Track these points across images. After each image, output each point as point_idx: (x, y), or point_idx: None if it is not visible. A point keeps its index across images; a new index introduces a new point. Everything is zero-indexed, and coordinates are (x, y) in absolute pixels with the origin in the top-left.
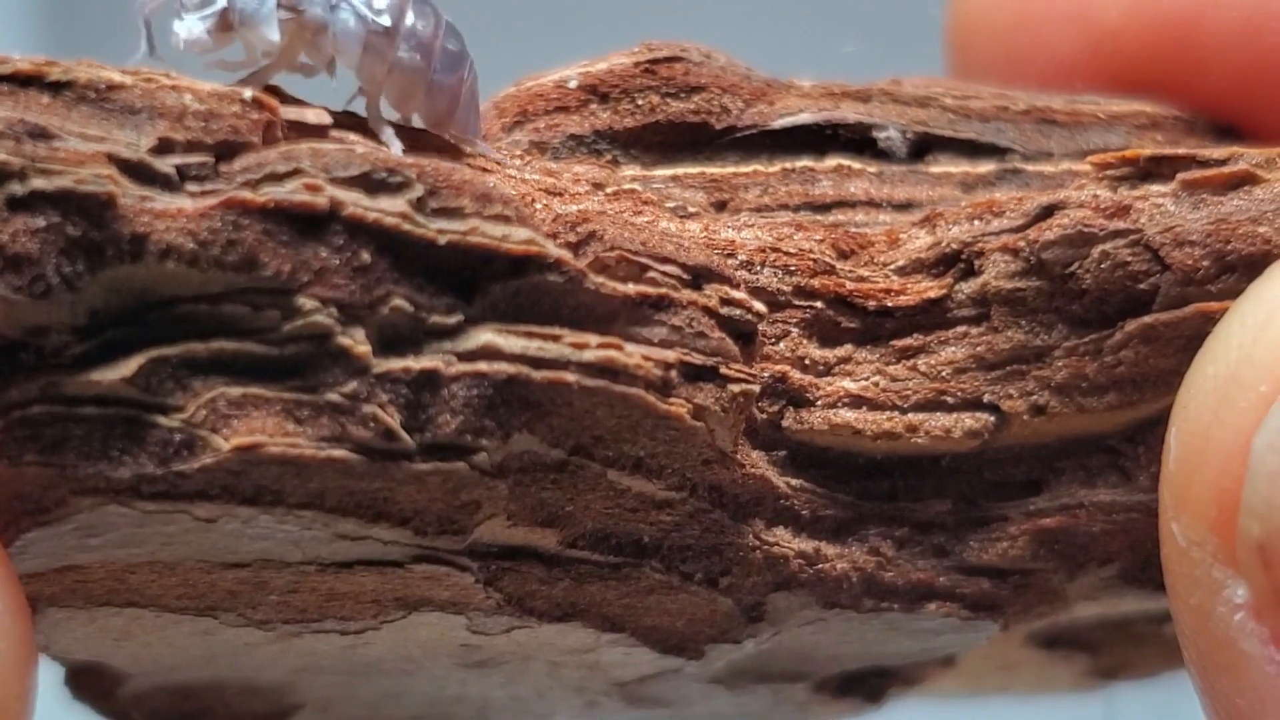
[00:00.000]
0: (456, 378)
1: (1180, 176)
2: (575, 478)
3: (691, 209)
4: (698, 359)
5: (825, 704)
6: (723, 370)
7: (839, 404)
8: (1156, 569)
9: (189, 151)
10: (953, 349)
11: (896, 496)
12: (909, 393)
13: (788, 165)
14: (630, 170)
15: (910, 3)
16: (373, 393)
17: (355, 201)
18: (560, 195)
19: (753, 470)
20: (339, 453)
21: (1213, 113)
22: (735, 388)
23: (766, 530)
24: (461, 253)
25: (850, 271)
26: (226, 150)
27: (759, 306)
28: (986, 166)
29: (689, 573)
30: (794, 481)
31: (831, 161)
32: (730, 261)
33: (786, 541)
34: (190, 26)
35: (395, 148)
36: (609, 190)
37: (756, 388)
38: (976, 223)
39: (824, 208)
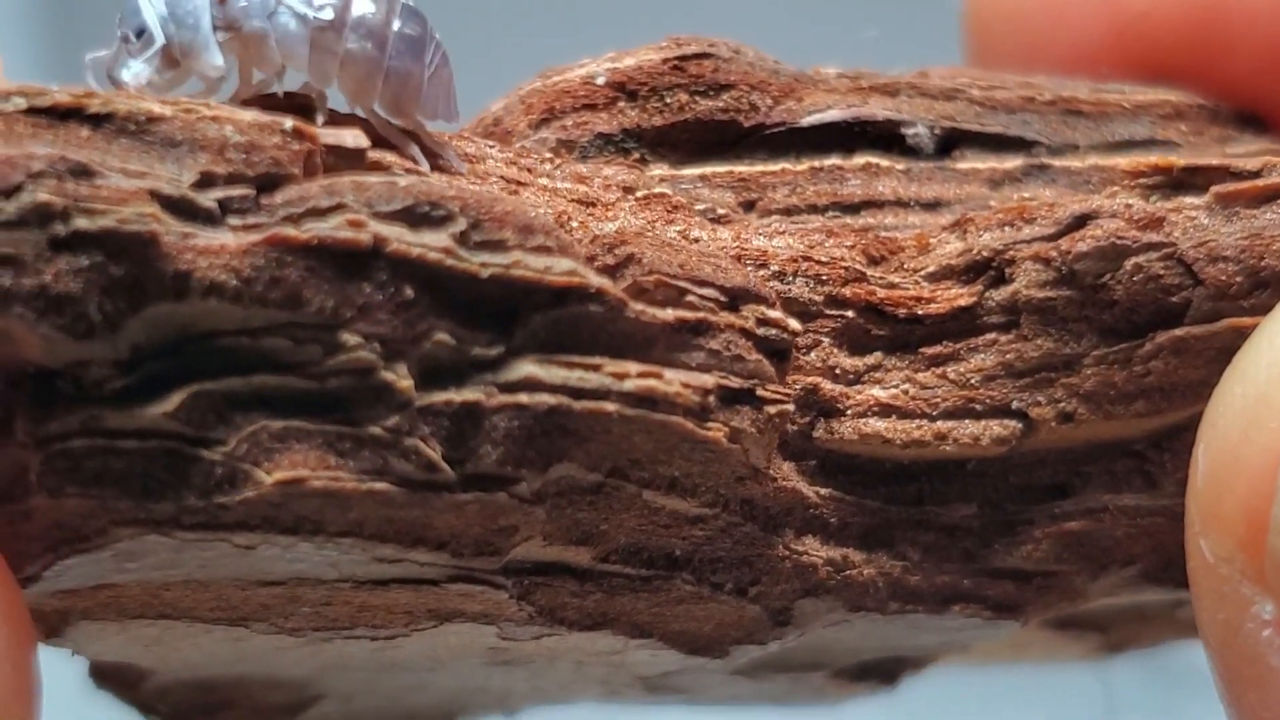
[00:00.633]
0: (498, 409)
1: (1214, 189)
2: (610, 499)
3: (720, 210)
4: (735, 382)
5: (842, 687)
6: (759, 392)
7: (869, 413)
8: (1178, 569)
9: (230, 184)
10: (982, 356)
11: (923, 501)
12: (938, 400)
13: (816, 164)
14: (658, 169)
15: None
16: (414, 426)
17: (398, 237)
18: (593, 206)
19: (784, 483)
20: (380, 485)
21: (1238, 99)
22: (771, 409)
23: (795, 540)
24: (504, 285)
25: (881, 278)
26: (268, 182)
27: (794, 325)
28: (1013, 162)
29: (719, 583)
30: (823, 491)
31: (860, 160)
32: (763, 272)
33: (815, 550)
34: (137, 73)
35: (423, 165)
36: (639, 194)
37: (791, 407)
38: (1008, 230)
39: (852, 208)
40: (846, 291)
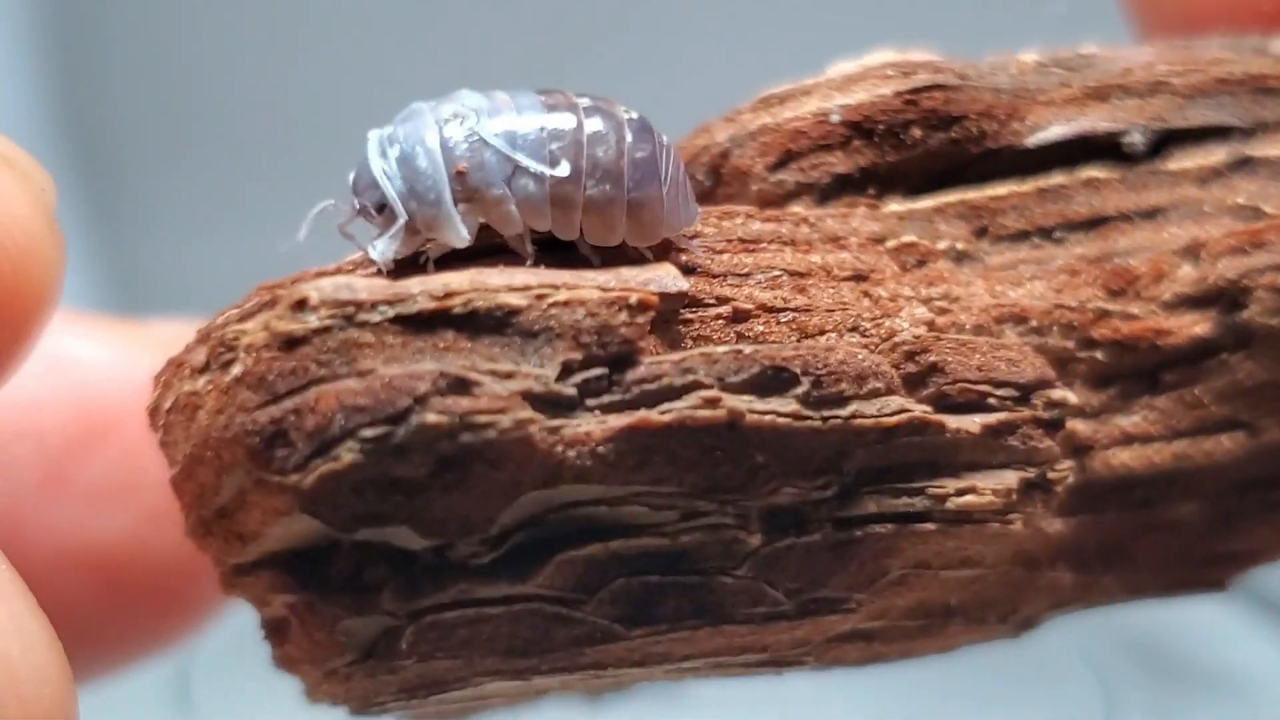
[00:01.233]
0: (836, 545)
1: None
2: (909, 582)
3: (959, 245)
4: (1032, 473)
5: None
6: (1050, 475)
7: (1114, 445)
8: None
9: (587, 367)
10: (1215, 378)
11: (1151, 504)
12: (1174, 424)
13: (1042, 184)
14: (894, 205)
15: None
16: (762, 572)
17: (750, 407)
18: (867, 280)
19: (1049, 529)
20: (734, 627)
21: None
22: (1059, 487)
23: (1049, 568)
24: (842, 433)
25: (1121, 311)
26: (621, 360)
27: (1073, 400)
28: (1217, 155)
29: (984, 618)
30: (1072, 520)
31: (1082, 174)
32: (1021, 328)
33: (1064, 574)
34: (384, 251)
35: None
36: (890, 244)
37: (1072, 477)
38: (1240, 257)
39: (1080, 226)
40: (1094, 332)
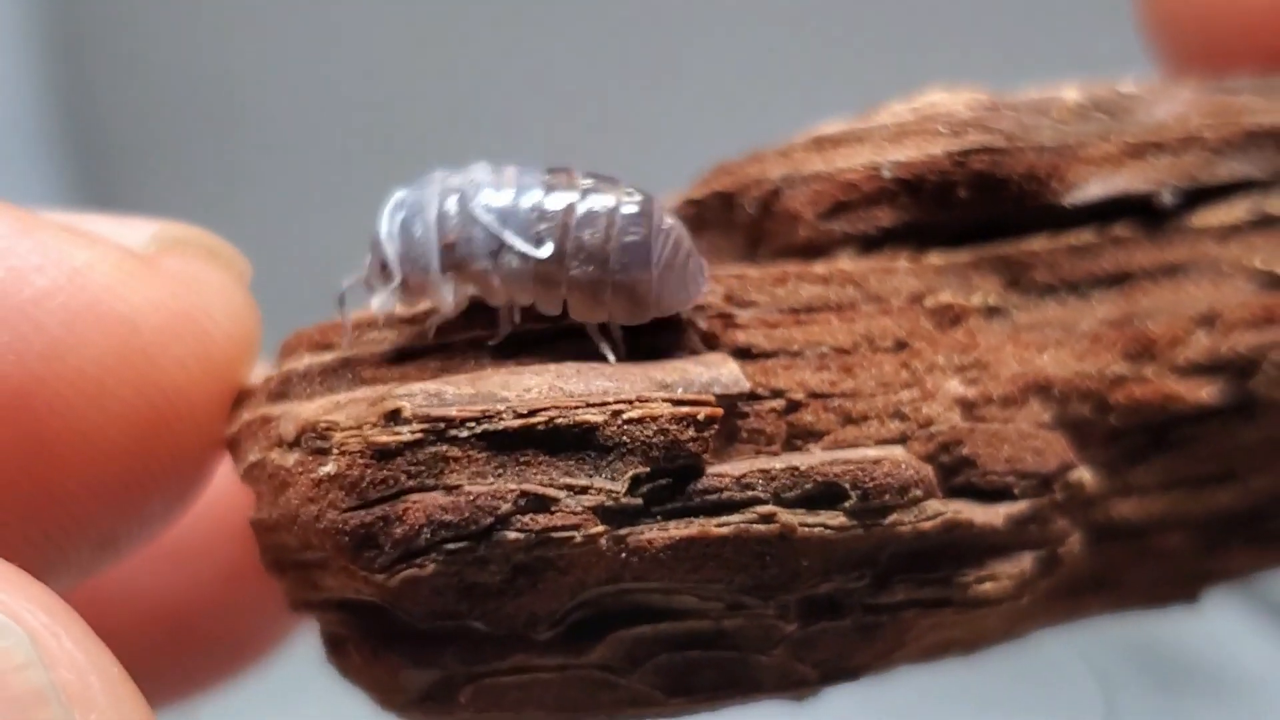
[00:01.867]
0: (865, 628)
1: None
2: (915, 643)
3: (991, 299)
4: (1045, 554)
5: None
6: (1060, 552)
7: (1117, 496)
8: None
9: (654, 479)
10: (1216, 440)
11: (1145, 536)
12: (1174, 477)
13: (1073, 241)
14: (933, 256)
15: None
16: (796, 653)
17: (802, 521)
18: (907, 347)
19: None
20: (757, 695)
21: None
22: (1066, 560)
23: (1044, 605)
24: (880, 537)
25: (1136, 375)
26: (684, 471)
27: (1089, 482)
28: (1239, 211)
29: (977, 648)
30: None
31: (1112, 231)
32: (1046, 398)
33: (1057, 605)
34: (382, 304)
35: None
36: (928, 303)
37: (1078, 548)
38: (1253, 331)
39: (1106, 282)
40: (1110, 397)
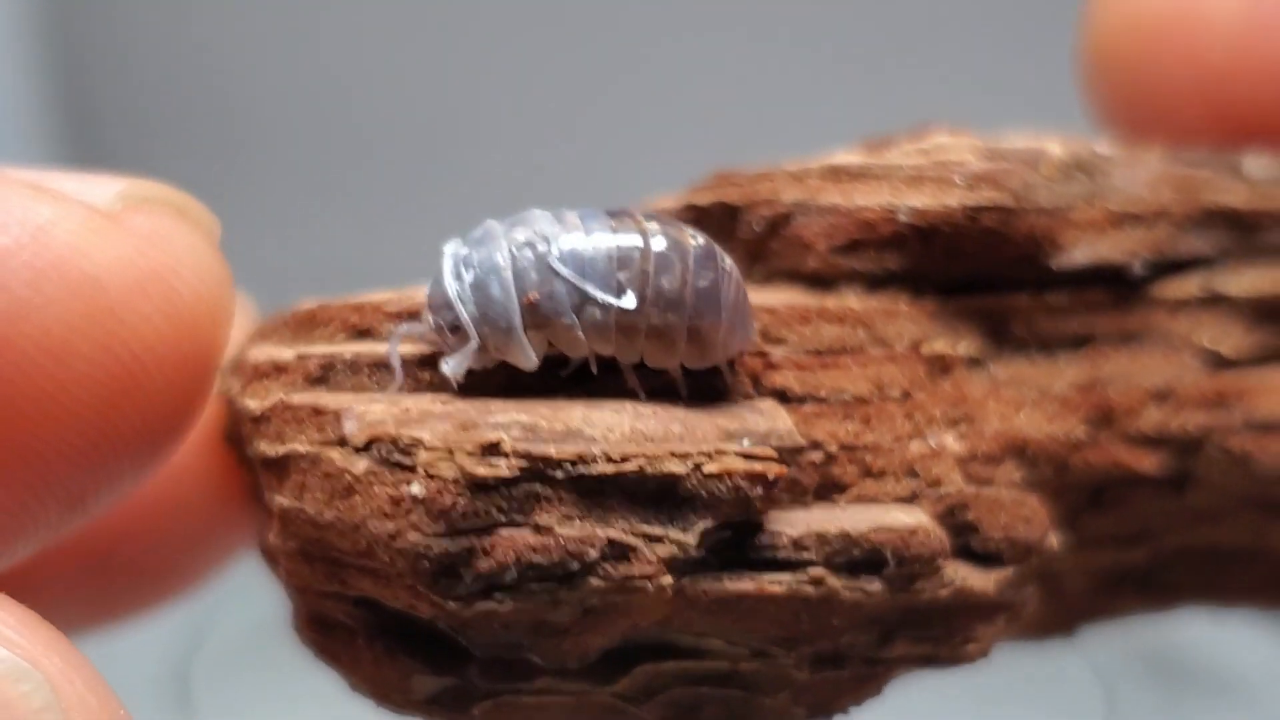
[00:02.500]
0: (864, 677)
1: None
2: None
3: (972, 351)
4: (1012, 613)
5: None
6: (1022, 610)
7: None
8: None
9: (718, 532)
10: (1144, 504)
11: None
12: (1101, 534)
13: (1051, 301)
14: (928, 303)
15: None
16: (798, 696)
17: (845, 585)
18: (911, 398)
19: None
20: None
21: None
22: (1024, 615)
23: None
24: (903, 601)
25: (1093, 441)
26: (746, 526)
27: (1055, 548)
28: (1191, 286)
29: None
30: None
31: (1084, 295)
32: (1021, 459)
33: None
34: (456, 368)
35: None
36: (924, 349)
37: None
38: (1202, 411)
39: (1073, 343)
40: (1069, 460)
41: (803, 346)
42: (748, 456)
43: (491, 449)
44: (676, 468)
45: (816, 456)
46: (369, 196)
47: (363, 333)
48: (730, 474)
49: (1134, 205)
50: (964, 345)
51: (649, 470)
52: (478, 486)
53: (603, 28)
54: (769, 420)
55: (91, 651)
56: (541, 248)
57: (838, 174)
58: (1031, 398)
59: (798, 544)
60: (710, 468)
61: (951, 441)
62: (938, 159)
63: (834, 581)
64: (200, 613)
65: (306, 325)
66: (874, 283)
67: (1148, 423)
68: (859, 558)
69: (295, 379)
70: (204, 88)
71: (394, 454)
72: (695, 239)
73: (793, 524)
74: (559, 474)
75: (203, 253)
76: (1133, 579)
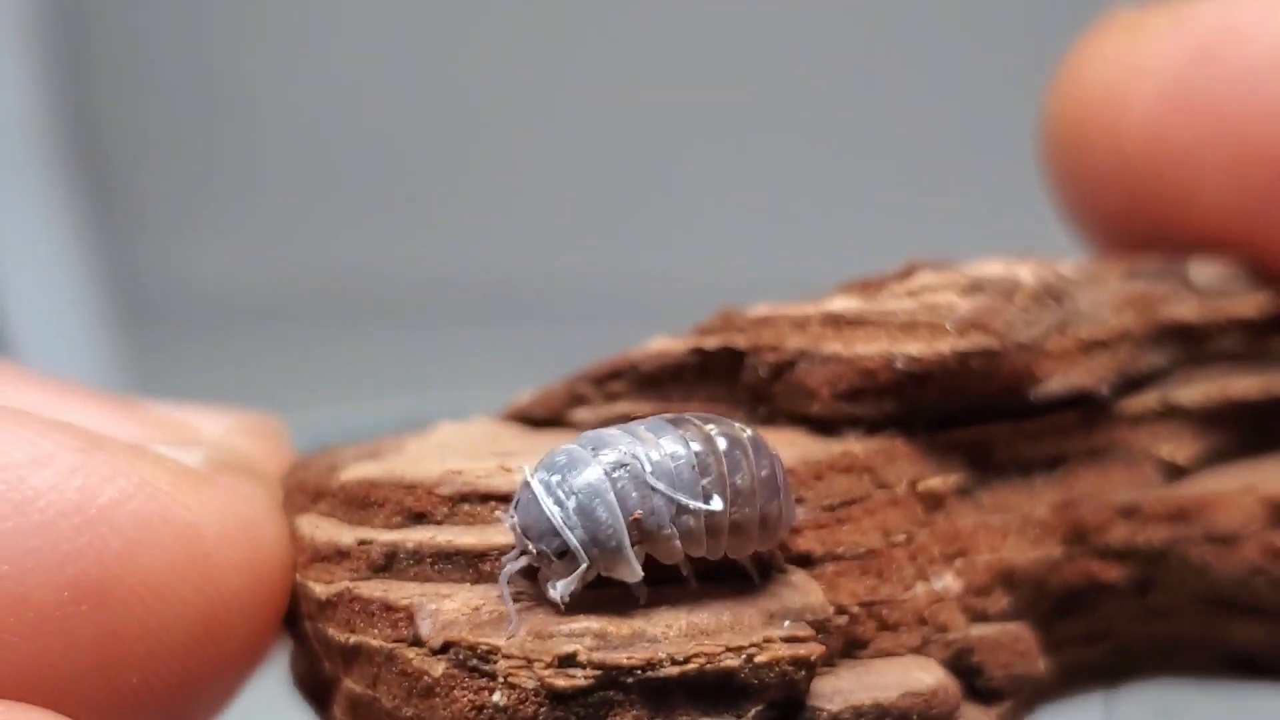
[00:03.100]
0: None
1: None
2: None
3: (957, 481)
4: None
5: None
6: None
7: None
8: None
9: (767, 711)
10: (1108, 609)
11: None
12: (1061, 640)
13: (1030, 426)
14: (919, 440)
15: None
16: None
17: None
18: (913, 541)
19: None
20: None
21: None
22: None
23: None
24: None
25: (1068, 559)
26: (790, 704)
27: (1043, 671)
28: (1150, 400)
29: None
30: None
31: (1058, 418)
32: (1008, 583)
33: None
34: (564, 592)
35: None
36: (920, 488)
37: None
38: (1164, 525)
39: (1046, 464)
40: (1048, 579)
41: (819, 503)
42: (790, 640)
43: (568, 660)
44: (731, 662)
45: (842, 620)
46: (369, 196)
47: (418, 515)
48: (778, 661)
49: (1100, 331)
50: (953, 478)
51: (708, 668)
52: (557, 697)
53: (603, 30)
54: (803, 595)
55: None
56: (635, 467)
57: (837, 321)
58: (1015, 524)
59: (837, 718)
60: (760, 658)
61: (951, 581)
62: (926, 301)
63: None
64: None
65: (360, 504)
66: (873, 426)
67: (1116, 537)
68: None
69: (359, 566)
70: (204, 87)
71: (472, 659)
72: (745, 431)
73: (829, 698)
74: (629, 680)
75: (274, 509)
76: (1091, 669)
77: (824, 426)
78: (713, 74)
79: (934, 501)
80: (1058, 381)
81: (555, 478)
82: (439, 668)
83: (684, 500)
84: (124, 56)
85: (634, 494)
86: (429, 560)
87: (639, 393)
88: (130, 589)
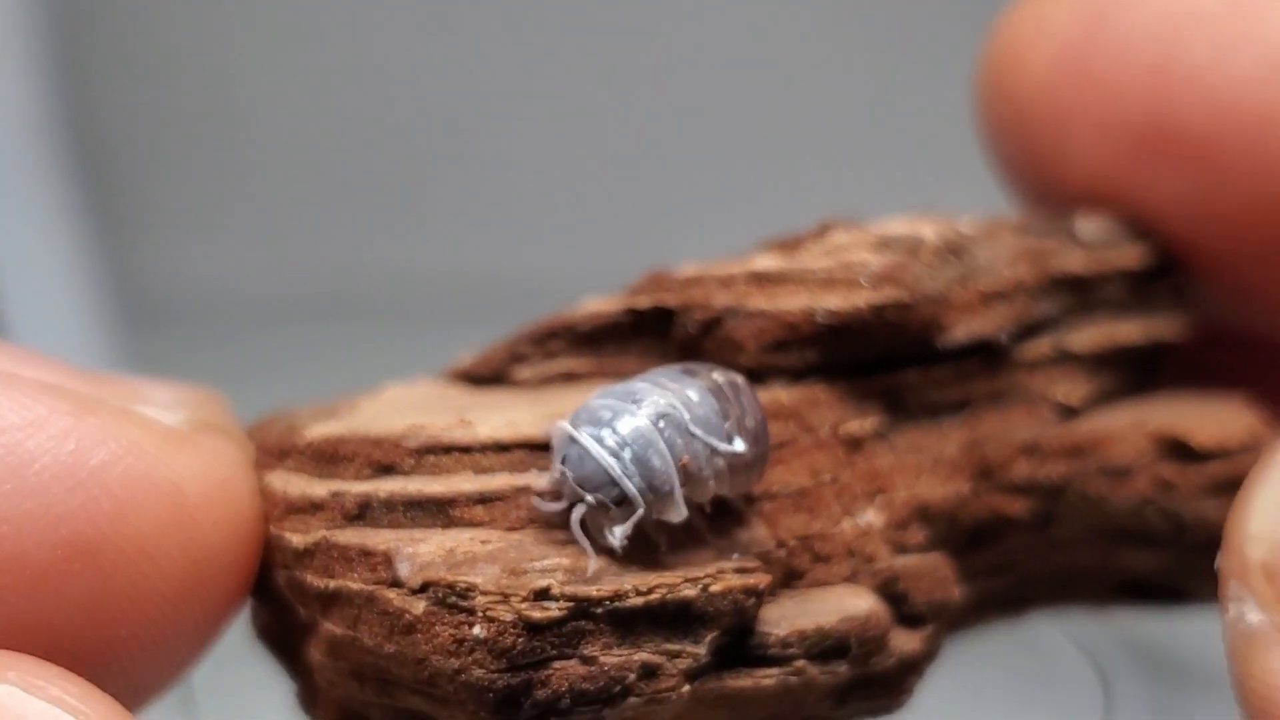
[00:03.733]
0: None
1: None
2: None
3: (876, 426)
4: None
5: None
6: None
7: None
8: None
9: (721, 637)
10: (1013, 541)
11: None
12: (970, 573)
13: (936, 375)
14: (838, 387)
15: None
16: None
17: (821, 671)
18: (838, 480)
19: None
20: None
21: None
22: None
23: None
24: (860, 675)
25: (976, 495)
26: (739, 631)
27: (959, 598)
28: (1044, 346)
29: None
30: None
31: (963, 365)
32: (923, 518)
33: None
34: (621, 535)
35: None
36: (841, 433)
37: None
38: (1063, 461)
39: (955, 408)
40: (959, 514)
41: None
42: (740, 570)
43: (542, 594)
44: (689, 592)
45: (782, 554)
46: (370, 197)
47: (386, 468)
48: (730, 590)
49: (998, 284)
50: (870, 422)
51: (669, 597)
52: (533, 628)
53: (603, 30)
54: (748, 530)
55: None
56: (676, 415)
57: (760, 279)
58: (928, 463)
59: (784, 642)
60: (715, 588)
61: (874, 516)
62: (842, 259)
63: (812, 670)
64: None
65: (329, 459)
66: (796, 375)
67: (1019, 474)
68: (830, 646)
69: (334, 516)
70: (205, 88)
71: (451, 597)
72: (740, 376)
73: (775, 624)
74: (599, 610)
75: (248, 467)
76: (999, 597)
77: (752, 376)
78: (713, 74)
79: (854, 444)
80: (961, 330)
81: (605, 431)
82: (420, 606)
83: (716, 444)
84: (125, 56)
85: (679, 441)
86: (401, 508)
87: (576, 351)
88: (119, 547)
